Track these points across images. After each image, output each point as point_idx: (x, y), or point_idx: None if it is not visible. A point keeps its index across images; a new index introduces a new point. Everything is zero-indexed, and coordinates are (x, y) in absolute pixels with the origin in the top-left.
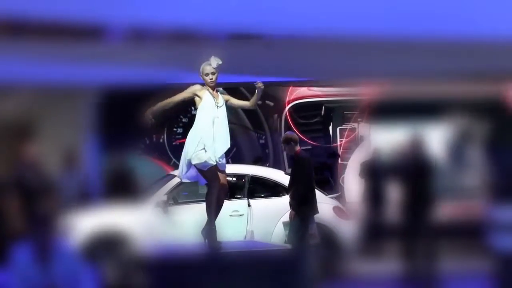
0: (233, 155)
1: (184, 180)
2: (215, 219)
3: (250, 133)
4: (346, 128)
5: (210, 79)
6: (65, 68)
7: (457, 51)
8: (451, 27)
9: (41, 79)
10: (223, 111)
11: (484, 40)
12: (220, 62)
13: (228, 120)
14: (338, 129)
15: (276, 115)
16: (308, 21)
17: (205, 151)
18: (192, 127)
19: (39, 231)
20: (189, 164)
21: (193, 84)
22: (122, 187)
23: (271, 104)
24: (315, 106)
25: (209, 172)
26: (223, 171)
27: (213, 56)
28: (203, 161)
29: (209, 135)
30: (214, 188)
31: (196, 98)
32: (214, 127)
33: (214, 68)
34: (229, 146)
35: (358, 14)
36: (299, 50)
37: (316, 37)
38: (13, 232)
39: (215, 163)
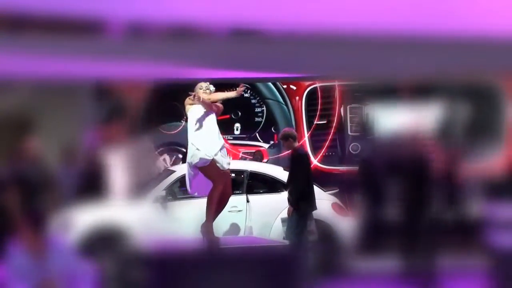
0: (266, 123)
1: (194, 194)
2: (215, 218)
3: (282, 107)
4: (355, 107)
5: (204, 92)
6: (64, 63)
7: (457, 48)
8: (450, 25)
9: (40, 74)
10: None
11: (482, 38)
12: (213, 88)
13: (268, 98)
14: (348, 107)
15: (297, 97)
16: (309, 17)
17: (199, 150)
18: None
19: (36, 226)
20: (194, 174)
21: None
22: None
23: (294, 88)
24: (329, 89)
25: (212, 171)
26: (227, 170)
27: (208, 83)
28: (198, 158)
29: (198, 137)
30: (218, 186)
31: (187, 106)
32: (203, 128)
33: (209, 85)
34: (222, 143)
35: (360, 11)
36: (299, 47)
37: (316, 34)
38: (12, 227)
39: (211, 158)
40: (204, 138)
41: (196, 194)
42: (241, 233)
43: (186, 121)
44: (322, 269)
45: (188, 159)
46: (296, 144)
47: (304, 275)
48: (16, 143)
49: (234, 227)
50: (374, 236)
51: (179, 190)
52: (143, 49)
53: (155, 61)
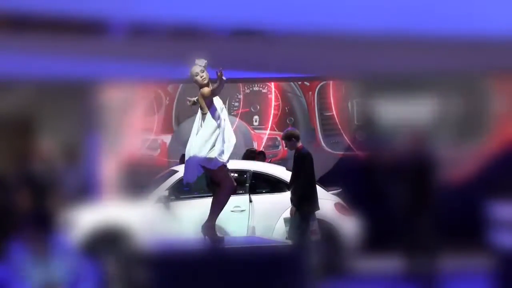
0: (282, 115)
1: (187, 182)
2: (217, 218)
3: (300, 99)
4: (360, 100)
5: (202, 77)
6: (67, 63)
7: (457, 48)
8: (451, 25)
9: (43, 75)
10: (226, 112)
11: (484, 38)
12: (206, 61)
13: (287, 91)
14: (354, 101)
15: (310, 92)
16: (311, 18)
17: (214, 151)
18: (200, 132)
19: (40, 226)
20: (197, 166)
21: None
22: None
23: (308, 84)
24: (338, 85)
25: (221, 172)
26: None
27: (196, 59)
28: (213, 158)
29: (219, 138)
30: (227, 188)
31: (201, 102)
32: (221, 129)
33: (201, 66)
34: (234, 141)
35: (361, 10)
36: (301, 47)
37: (318, 34)
38: (16, 228)
39: (225, 162)
40: (223, 140)
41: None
42: (244, 233)
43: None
44: (325, 269)
45: (201, 155)
46: (299, 144)
47: (307, 275)
48: (20, 144)
49: (237, 227)
50: (376, 236)
51: (182, 190)
52: (145, 49)
53: (157, 60)
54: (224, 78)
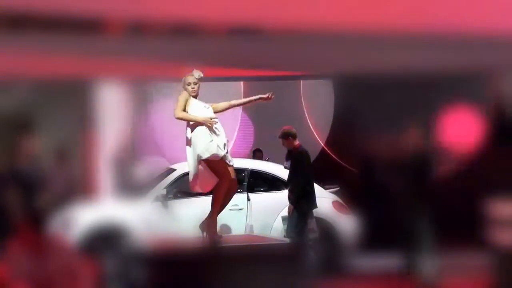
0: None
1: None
2: (218, 214)
3: (297, 97)
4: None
5: (192, 88)
6: (65, 62)
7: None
8: (450, 22)
9: (41, 73)
10: (211, 110)
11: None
12: (202, 75)
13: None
14: (350, 99)
15: (307, 89)
16: (309, 16)
17: (213, 143)
18: (192, 138)
19: (36, 225)
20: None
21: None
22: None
23: (302, 82)
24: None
25: (219, 166)
26: (232, 166)
27: (195, 69)
28: (212, 153)
29: (210, 134)
30: (225, 183)
31: (182, 99)
32: (206, 128)
33: (196, 78)
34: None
35: (360, 8)
36: (299, 45)
37: (316, 32)
38: (12, 226)
39: (222, 154)
40: (215, 134)
41: (200, 191)
42: (242, 232)
43: None
44: (323, 267)
45: (199, 151)
46: (296, 142)
47: (305, 273)
48: (15, 142)
49: (235, 225)
50: (375, 234)
51: (180, 188)
52: (144, 48)
53: (155, 59)
54: (216, 122)
